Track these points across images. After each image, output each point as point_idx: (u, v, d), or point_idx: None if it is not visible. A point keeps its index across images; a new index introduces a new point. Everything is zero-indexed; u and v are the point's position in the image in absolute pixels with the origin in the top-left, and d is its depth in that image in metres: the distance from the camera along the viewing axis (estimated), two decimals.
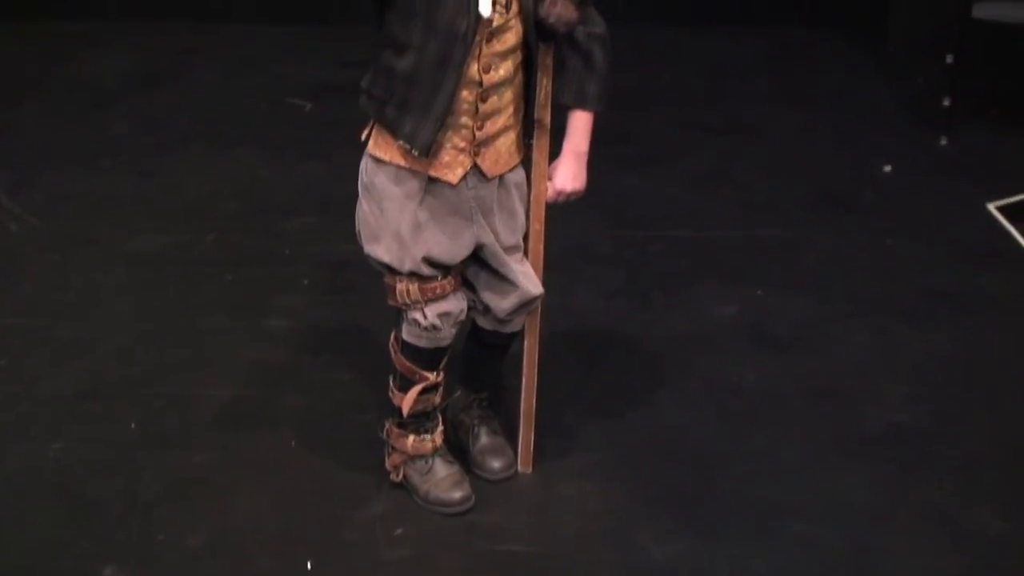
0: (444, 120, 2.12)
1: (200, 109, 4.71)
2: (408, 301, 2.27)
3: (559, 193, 2.30)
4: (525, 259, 2.35)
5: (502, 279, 2.31)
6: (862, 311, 3.20)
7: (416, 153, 2.14)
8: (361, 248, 2.29)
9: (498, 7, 2.08)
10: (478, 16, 2.05)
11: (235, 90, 4.97)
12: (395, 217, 2.21)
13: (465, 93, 2.13)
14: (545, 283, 2.39)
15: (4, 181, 3.95)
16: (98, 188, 3.95)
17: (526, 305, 2.35)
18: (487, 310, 2.35)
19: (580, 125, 2.26)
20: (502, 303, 2.32)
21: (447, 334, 2.31)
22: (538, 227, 2.33)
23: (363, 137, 2.24)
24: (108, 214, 3.75)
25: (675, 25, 5.55)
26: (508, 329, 2.39)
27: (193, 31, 5.74)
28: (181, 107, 4.73)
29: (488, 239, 2.26)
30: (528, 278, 2.33)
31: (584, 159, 2.28)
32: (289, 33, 5.62)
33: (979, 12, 4.20)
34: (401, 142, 2.15)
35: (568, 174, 2.28)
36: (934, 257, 3.50)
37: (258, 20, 5.91)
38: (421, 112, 2.11)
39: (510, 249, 2.30)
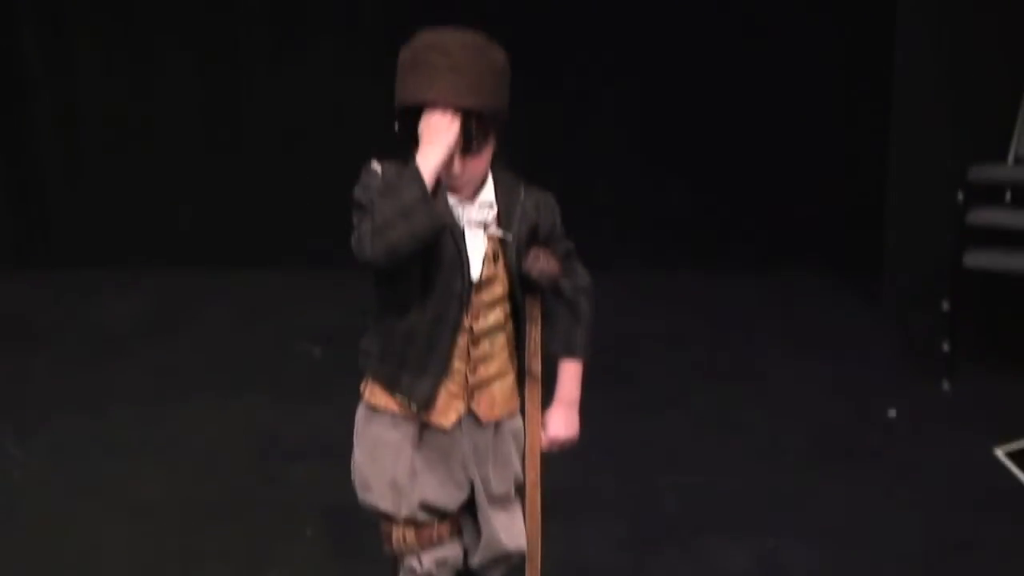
0: (442, 375, 2.16)
1: (209, 354, 4.77)
2: (404, 548, 2.25)
3: (553, 442, 2.30)
4: (517, 510, 2.33)
5: (483, 526, 2.29)
6: (874, 562, 3.14)
7: (414, 409, 2.17)
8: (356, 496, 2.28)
9: (486, 260, 2.15)
10: (471, 278, 2.12)
11: (245, 335, 5.05)
12: (391, 464, 2.22)
13: (457, 338, 2.18)
14: (548, 531, 2.35)
15: (12, 427, 3.96)
16: (104, 435, 3.95)
17: (501, 560, 2.31)
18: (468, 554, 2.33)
19: (570, 374, 2.29)
20: (475, 553, 2.30)
21: None
22: (533, 476, 2.33)
23: (361, 390, 2.28)
24: (113, 462, 3.74)
25: (678, 270, 5.70)
26: None
27: (205, 276, 5.89)
28: (190, 352, 4.80)
29: (477, 485, 2.25)
30: (509, 532, 2.30)
31: (576, 407, 2.31)
32: (300, 278, 5.76)
33: (970, 261, 4.31)
34: (399, 397, 2.18)
35: (561, 423, 2.30)
36: (946, 505, 3.46)
37: (270, 265, 6.07)
38: (419, 368, 2.16)
39: (500, 498, 2.29)
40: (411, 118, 2.04)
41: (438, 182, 2.04)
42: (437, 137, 2.00)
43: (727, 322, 5.16)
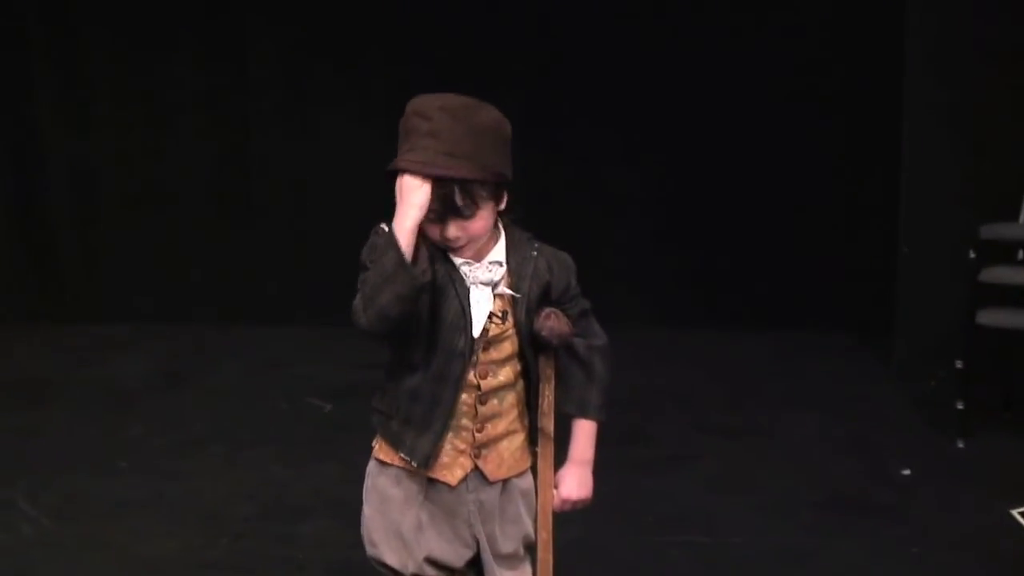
0: (444, 433, 2.16)
1: (219, 409, 4.78)
2: None
3: (565, 502, 2.28)
4: (525, 569, 2.30)
5: None
6: None
7: (415, 465, 2.17)
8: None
9: (494, 319, 2.15)
10: (473, 335, 2.12)
11: (255, 390, 5.06)
12: (396, 519, 2.21)
13: (464, 396, 2.16)
14: None
15: (23, 484, 3.96)
16: (113, 491, 3.95)
17: None
18: None
19: (584, 434, 2.27)
20: None
21: None
22: (545, 536, 2.30)
23: (372, 445, 2.28)
24: (122, 517, 3.73)
25: (690, 328, 5.69)
26: None
27: (216, 331, 5.92)
28: (200, 408, 4.80)
29: (483, 544, 2.24)
30: None
31: (589, 467, 2.28)
32: (312, 334, 5.78)
33: (983, 319, 4.30)
34: (402, 455, 2.19)
35: (573, 483, 2.27)
36: (961, 567, 3.41)
37: (280, 322, 6.10)
38: (422, 425, 2.16)
39: (506, 557, 2.27)
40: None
41: (425, 242, 2.04)
42: (409, 199, 2.00)
43: (738, 380, 5.14)
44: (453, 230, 2.05)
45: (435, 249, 2.10)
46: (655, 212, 5.89)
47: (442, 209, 2.02)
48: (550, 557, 2.32)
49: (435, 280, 2.09)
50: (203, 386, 5.13)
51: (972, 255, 4.35)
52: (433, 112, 2.02)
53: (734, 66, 5.74)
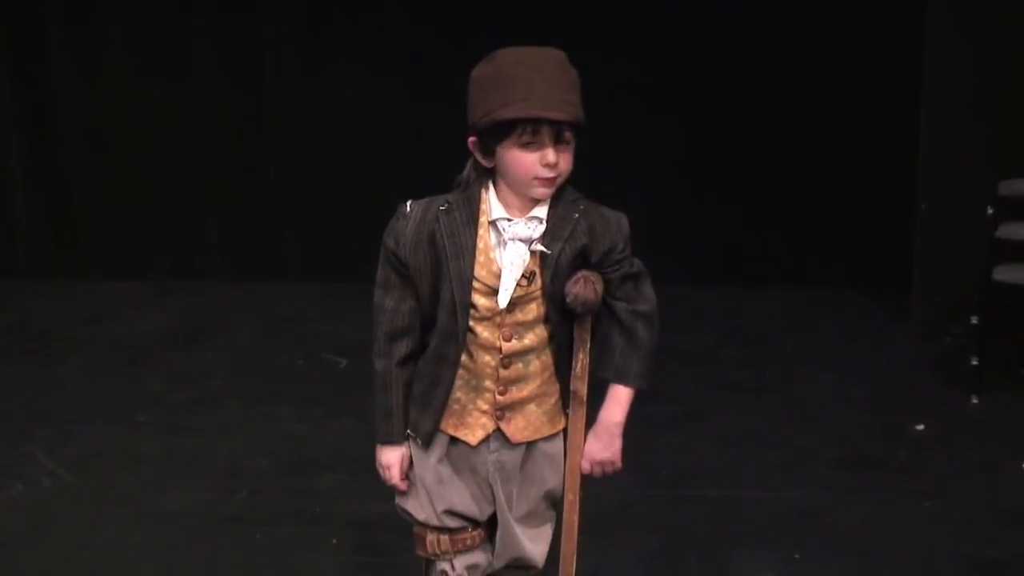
0: (443, 412, 2.18)
1: (236, 366, 4.81)
2: (438, 552, 2.25)
3: (592, 463, 2.27)
4: (543, 528, 2.32)
5: (504, 534, 2.29)
6: None
7: (420, 442, 2.21)
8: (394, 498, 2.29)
9: (521, 280, 2.13)
10: (468, 315, 2.12)
11: (271, 347, 5.08)
12: (419, 472, 2.24)
13: (487, 358, 2.16)
14: (577, 546, 2.34)
15: (42, 437, 4.01)
16: (131, 445, 3.99)
17: (518, 567, 2.31)
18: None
19: (616, 398, 2.23)
20: (495, 559, 2.30)
21: None
22: (572, 498, 2.30)
23: None
24: (140, 471, 3.77)
25: (706, 286, 5.68)
26: None
27: (233, 289, 5.93)
28: (217, 364, 4.83)
29: (500, 503, 2.25)
30: (532, 543, 2.29)
31: (617, 431, 2.24)
32: (327, 291, 5.79)
33: (1000, 275, 4.28)
34: (408, 431, 2.23)
35: (598, 445, 2.24)
36: (973, 521, 3.42)
37: (295, 278, 6.12)
38: (423, 404, 2.20)
39: (522, 517, 2.27)
40: (498, 133, 2.06)
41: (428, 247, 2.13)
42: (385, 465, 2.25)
43: (754, 338, 5.14)
44: (553, 155, 2.06)
45: (446, 223, 2.11)
46: (670, 170, 5.86)
47: (552, 139, 2.06)
48: (575, 519, 2.31)
49: (434, 263, 2.12)
50: (220, 342, 5.15)
51: (990, 211, 4.32)
52: (545, 63, 2.07)
53: (751, 21, 5.68)
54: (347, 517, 3.41)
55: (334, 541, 3.28)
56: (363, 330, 5.23)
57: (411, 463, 2.25)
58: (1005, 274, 4.29)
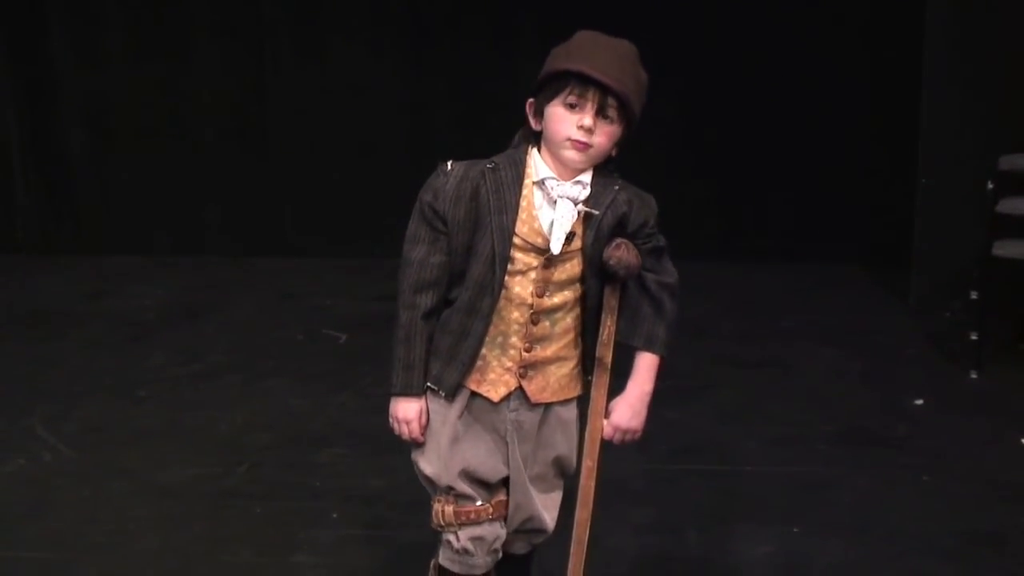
0: (471, 366, 2.19)
1: (236, 341, 4.81)
2: (443, 523, 2.27)
3: (616, 430, 2.28)
4: (553, 492, 2.34)
5: (518, 494, 2.30)
6: (901, 553, 3.12)
7: (443, 395, 2.20)
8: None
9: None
10: (505, 269, 2.15)
11: (272, 322, 5.08)
12: (437, 429, 2.25)
13: (517, 314, 2.19)
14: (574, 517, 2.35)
15: (43, 411, 4.01)
16: (132, 419, 3.99)
17: (528, 528, 2.33)
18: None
19: (646, 366, 2.26)
20: (510, 520, 2.32)
21: (481, 561, 2.28)
22: (590, 464, 2.30)
23: None
24: (141, 445, 3.77)
25: (706, 260, 5.66)
26: (511, 550, 2.36)
27: (232, 263, 5.93)
28: (218, 339, 4.83)
29: (515, 463, 2.26)
30: (543, 504, 2.32)
31: (647, 400, 2.27)
32: (327, 265, 5.79)
33: (999, 250, 4.28)
34: (429, 384, 2.22)
35: (628, 412, 2.27)
36: (972, 495, 3.43)
37: (297, 253, 6.11)
38: (448, 356, 2.20)
39: (534, 478, 2.30)
40: (550, 90, 2.14)
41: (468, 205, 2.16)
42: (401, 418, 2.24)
43: (754, 312, 5.14)
44: (590, 120, 2.13)
45: (492, 180, 2.16)
46: (672, 143, 5.83)
47: (595, 106, 2.12)
48: (592, 484, 2.31)
49: (474, 217, 2.16)
50: (220, 317, 5.16)
51: (990, 186, 4.32)
52: (616, 45, 2.18)
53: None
54: (347, 492, 3.41)
55: (334, 515, 3.29)
56: (363, 305, 5.27)
57: (430, 418, 2.26)
58: (1005, 249, 4.29)
